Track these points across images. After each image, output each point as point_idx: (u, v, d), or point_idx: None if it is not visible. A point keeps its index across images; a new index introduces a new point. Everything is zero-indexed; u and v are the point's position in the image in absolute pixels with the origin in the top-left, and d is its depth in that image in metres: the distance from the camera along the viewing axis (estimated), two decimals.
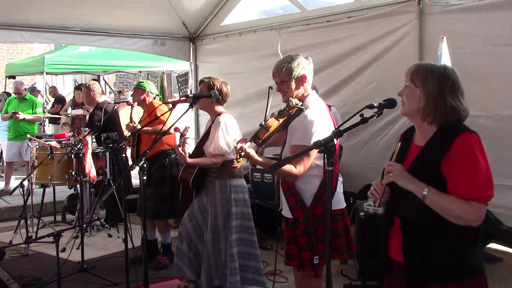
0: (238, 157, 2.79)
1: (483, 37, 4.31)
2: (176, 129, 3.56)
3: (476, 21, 4.31)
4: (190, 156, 3.67)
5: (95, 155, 5.28)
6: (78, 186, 5.28)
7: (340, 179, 2.96)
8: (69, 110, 9.92)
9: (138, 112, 4.98)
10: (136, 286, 3.70)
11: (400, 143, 2.07)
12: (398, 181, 1.93)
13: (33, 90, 11.00)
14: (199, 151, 3.81)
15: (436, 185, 1.87)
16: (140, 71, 12.74)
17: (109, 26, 6.48)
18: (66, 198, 6.66)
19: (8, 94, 10.02)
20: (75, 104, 9.60)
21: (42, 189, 6.15)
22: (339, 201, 2.86)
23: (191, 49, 7.34)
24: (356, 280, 4.14)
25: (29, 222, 5.46)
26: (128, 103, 4.80)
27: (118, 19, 6.38)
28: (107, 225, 5.86)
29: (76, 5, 5.88)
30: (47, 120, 11.00)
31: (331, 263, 2.15)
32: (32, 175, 5.32)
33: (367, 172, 5.05)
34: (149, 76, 14.32)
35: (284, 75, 2.86)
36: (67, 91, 14.47)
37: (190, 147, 3.89)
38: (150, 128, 4.45)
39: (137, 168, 2.89)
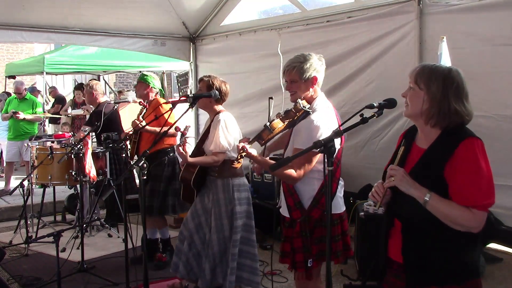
0: (239, 157, 2.77)
1: (483, 37, 4.31)
2: (177, 128, 3.56)
3: (476, 21, 4.31)
4: (190, 155, 3.68)
5: (95, 155, 5.28)
6: (78, 186, 5.28)
7: (341, 183, 2.94)
8: (69, 110, 9.93)
9: (136, 109, 4.94)
10: (136, 286, 3.70)
11: (403, 147, 2.05)
12: (400, 186, 1.93)
13: (33, 90, 11.01)
14: (199, 150, 3.81)
15: (438, 189, 1.87)
16: (140, 71, 12.71)
17: (109, 26, 6.47)
18: (66, 198, 6.66)
19: (8, 94, 10.03)
20: (75, 104, 9.60)
21: (42, 189, 6.15)
22: (337, 205, 2.85)
23: (191, 49, 7.33)
24: (356, 280, 4.15)
25: (29, 222, 5.47)
26: (140, 103, 4.73)
27: (118, 19, 6.37)
28: (107, 225, 5.86)
29: (76, 5, 5.88)
30: (47, 120, 11.01)
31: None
32: (32, 175, 5.32)
33: (367, 172, 5.04)
34: None
35: (294, 75, 2.81)
36: (67, 91, 14.47)
37: (190, 146, 3.88)
38: (156, 129, 4.43)
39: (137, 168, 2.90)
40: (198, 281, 3.74)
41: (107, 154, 5.56)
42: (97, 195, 5.67)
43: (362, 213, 4.18)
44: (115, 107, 5.50)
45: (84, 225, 5.42)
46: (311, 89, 2.82)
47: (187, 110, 3.21)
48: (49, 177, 5.33)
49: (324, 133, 2.66)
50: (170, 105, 4.62)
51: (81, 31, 6.29)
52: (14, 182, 7.80)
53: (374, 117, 2.15)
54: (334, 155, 2.73)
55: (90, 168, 4.97)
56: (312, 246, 2.74)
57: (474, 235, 1.90)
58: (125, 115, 6.82)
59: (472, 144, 1.87)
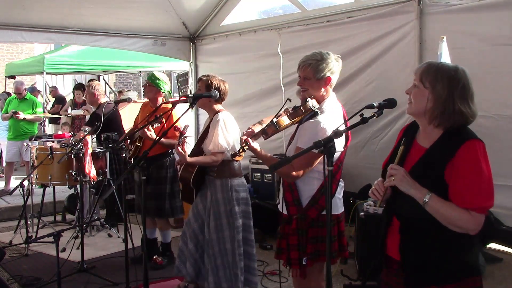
0: (241, 150, 2.74)
1: (483, 37, 4.31)
2: (176, 128, 3.55)
3: (476, 21, 4.31)
4: (190, 155, 3.67)
5: (95, 155, 5.28)
6: (78, 186, 5.28)
7: (341, 184, 2.94)
8: (69, 110, 9.93)
9: (134, 110, 4.88)
10: (136, 286, 3.70)
11: (403, 146, 2.05)
12: (400, 186, 1.93)
13: (33, 90, 11.01)
14: (198, 150, 3.80)
15: (438, 190, 1.87)
16: (140, 71, 12.74)
17: (109, 26, 6.47)
18: (66, 198, 6.66)
19: (8, 94, 10.03)
20: (75, 104, 9.60)
21: (42, 189, 6.15)
22: (335, 206, 2.83)
23: (191, 49, 7.33)
24: (356, 280, 4.15)
25: (29, 222, 5.47)
26: (155, 115, 4.24)
27: (118, 19, 6.38)
28: (107, 225, 5.86)
29: (76, 5, 5.88)
30: (47, 120, 11.01)
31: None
32: (32, 175, 5.32)
33: (367, 172, 5.04)
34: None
35: (308, 72, 2.75)
36: (67, 91, 14.47)
37: (190, 146, 3.87)
38: (171, 141, 4.25)
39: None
40: (205, 283, 3.72)
41: (107, 154, 5.55)
42: (97, 195, 5.67)
43: (362, 213, 4.19)
44: (115, 107, 5.50)
45: (84, 225, 5.42)
46: (323, 89, 2.78)
47: (187, 110, 3.21)
48: (49, 177, 5.33)
49: None
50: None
51: (81, 31, 6.29)
52: (14, 182, 7.80)
53: (374, 117, 2.14)
54: (337, 157, 2.74)
55: (90, 168, 4.97)
56: (307, 245, 2.74)
57: (472, 235, 1.90)
58: (125, 115, 6.82)
59: (474, 146, 1.86)
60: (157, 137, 3.47)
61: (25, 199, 5.18)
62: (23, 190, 4.87)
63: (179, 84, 9.22)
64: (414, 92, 1.99)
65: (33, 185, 5.70)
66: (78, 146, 4.74)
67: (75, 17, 6.07)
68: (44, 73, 10.18)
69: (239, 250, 3.65)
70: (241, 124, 3.92)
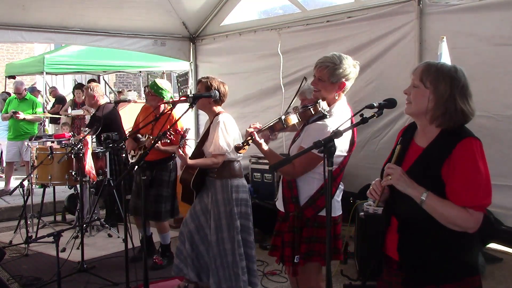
0: (246, 144, 2.73)
1: (483, 37, 4.31)
2: (177, 131, 3.55)
3: (476, 21, 4.31)
4: (190, 157, 3.67)
5: (95, 155, 5.28)
6: (78, 186, 5.28)
7: (341, 187, 2.94)
8: (69, 110, 9.93)
9: (134, 110, 4.87)
10: (136, 286, 3.70)
11: (400, 146, 2.05)
12: (397, 185, 1.93)
13: (33, 90, 11.01)
14: (199, 152, 3.80)
15: (435, 189, 1.87)
16: (140, 71, 12.75)
17: (109, 26, 6.47)
18: (66, 198, 6.66)
19: (8, 94, 10.03)
20: (75, 104, 9.61)
21: (42, 189, 6.15)
22: (333, 209, 2.81)
23: (191, 49, 7.34)
24: (356, 280, 4.15)
25: (29, 222, 5.47)
26: (168, 137, 4.02)
27: (118, 19, 6.38)
28: (107, 225, 5.86)
29: (76, 5, 5.88)
30: (47, 120, 11.01)
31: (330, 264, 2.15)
32: (32, 175, 5.32)
33: (367, 172, 5.04)
34: (149, 76, 14.33)
35: (324, 74, 2.72)
36: (67, 91, 14.47)
37: (190, 148, 3.87)
38: (169, 149, 4.27)
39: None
40: (200, 282, 3.73)
41: (107, 154, 5.55)
42: (97, 195, 5.67)
43: (362, 213, 4.18)
44: (115, 107, 5.50)
45: (84, 225, 5.42)
46: (336, 93, 2.76)
47: (187, 110, 3.21)
48: (49, 177, 5.33)
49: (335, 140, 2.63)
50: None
51: (81, 31, 6.29)
52: (14, 182, 7.80)
53: (374, 117, 2.14)
54: (340, 162, 2.74)
55: (90, 168, 4.97)
56: (301, 244, 2.73)
57: (471, 234, 1.90)
58: (125, 115, 6.82)
59: (471, 144, 1.87)
60: (157, 138, 3.47)
61: (25, 199, 5.18)
62: (23, 190, 4.87)
63: (179, 84, 9.21)
64: (414, 92, 1.99)
65: (33, 185, 5.70)
66: (78, 146, 4.74)
67: (75, 17, 6.07)
68: (44, 73, 10.18)
69: (239, 250, 3.65)
70: (241, 125, 3.92)
